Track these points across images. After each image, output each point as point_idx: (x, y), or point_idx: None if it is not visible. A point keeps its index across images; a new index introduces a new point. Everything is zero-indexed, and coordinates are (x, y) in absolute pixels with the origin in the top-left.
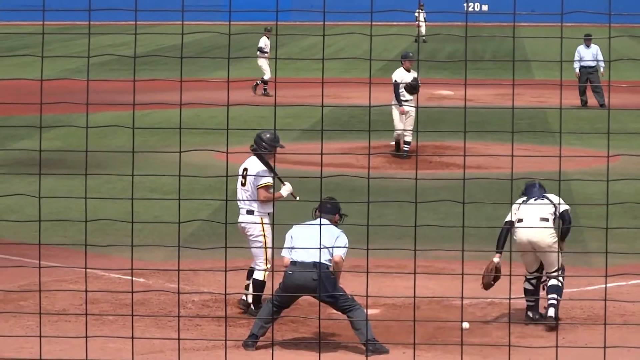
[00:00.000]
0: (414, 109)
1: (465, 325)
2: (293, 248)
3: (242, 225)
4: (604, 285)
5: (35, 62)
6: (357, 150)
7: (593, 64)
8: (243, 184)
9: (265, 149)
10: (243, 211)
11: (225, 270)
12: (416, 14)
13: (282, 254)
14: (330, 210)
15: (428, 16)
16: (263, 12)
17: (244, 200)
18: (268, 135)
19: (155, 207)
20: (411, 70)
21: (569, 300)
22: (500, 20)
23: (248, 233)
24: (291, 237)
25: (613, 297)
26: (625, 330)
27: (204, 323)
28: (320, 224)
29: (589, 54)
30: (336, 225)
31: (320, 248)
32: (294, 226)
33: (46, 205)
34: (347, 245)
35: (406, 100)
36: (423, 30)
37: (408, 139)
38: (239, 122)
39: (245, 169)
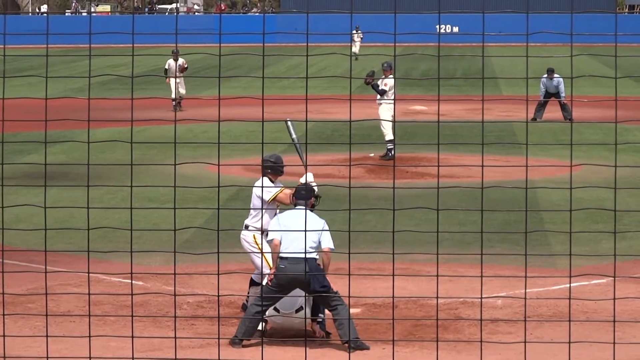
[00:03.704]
0: (389, 105)
1: None
2: (282, 233)
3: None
4: (568, 285)
5: (40, 82)
6: (338, 162)
7: (555, 92)
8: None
9: (271, 169)
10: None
11: (218, 274)
12: (352, 35)
13: (271, 237)
14: (304, 195)
15: (404, 37)
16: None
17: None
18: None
19: (152, 216)
20: (389, 77)
21: (536, 299)
22: (470, 40)
23: (244, 246)
24: (279, 225)
25: (577, 295)
26: (588, 326)
27: (198, 323)
28: (306, 225)
29: (551, 86)
30: (312, 209)
31: (306, 253)
32: (282, 215)
33: (51, 214)
34: (329, 232)
35: (380, 103)
36: (357, 49)
37: (387, 138)
38: (229, 137)
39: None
